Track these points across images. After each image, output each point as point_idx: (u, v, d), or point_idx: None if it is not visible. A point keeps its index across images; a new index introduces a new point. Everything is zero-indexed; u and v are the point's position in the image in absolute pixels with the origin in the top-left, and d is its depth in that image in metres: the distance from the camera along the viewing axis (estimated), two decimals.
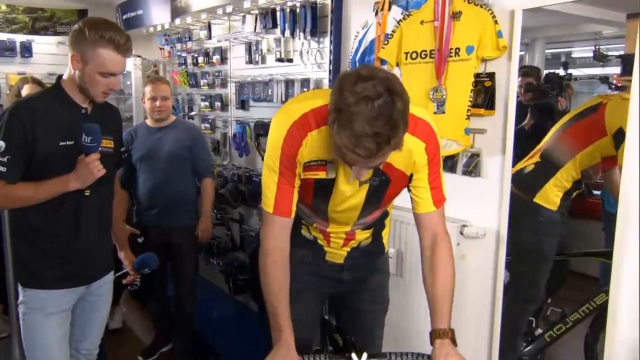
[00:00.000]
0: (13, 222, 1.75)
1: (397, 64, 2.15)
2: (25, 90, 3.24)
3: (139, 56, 4.14)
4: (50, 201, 1.58)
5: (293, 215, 1.29)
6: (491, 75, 1.88)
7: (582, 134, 2.20)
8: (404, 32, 2.10)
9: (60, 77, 1.66)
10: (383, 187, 1.33)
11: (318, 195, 1.33)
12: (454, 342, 1.19)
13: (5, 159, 1.53)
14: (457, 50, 1.93)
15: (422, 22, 2.04)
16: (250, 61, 3.11)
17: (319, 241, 1.50)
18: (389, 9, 2.20)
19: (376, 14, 2.26)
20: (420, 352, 1.15)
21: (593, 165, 2.24)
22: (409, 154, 1.24)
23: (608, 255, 2.56)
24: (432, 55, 2.01)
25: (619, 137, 2.09)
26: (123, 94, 4.27)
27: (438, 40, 1.97)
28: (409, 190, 1.34)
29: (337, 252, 1.52)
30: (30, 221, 1.63)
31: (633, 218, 1.48)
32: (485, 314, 1.95)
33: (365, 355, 1.11)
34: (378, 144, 1.02)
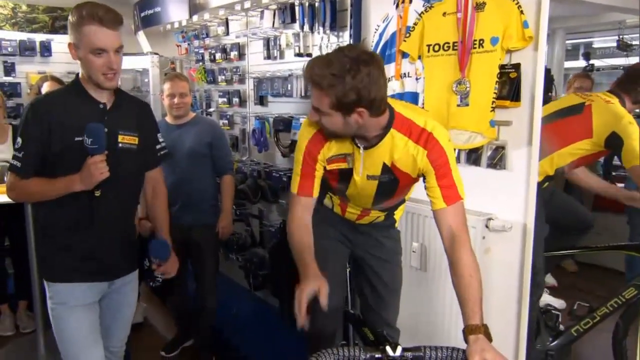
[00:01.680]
0: (36, 218, 1.80)
1: (419, 57, 2.15)
2: (45, 88, 3.31)
3: (156, 53, 4.19)
4: (66, 197, 1.59)
5: (314, 195, 1.59)
6: (516, 67, 1.87)
7: (564, 133, 2.24)
8: (426, 25, 2.09)
9: (78, 74, 1.67)
10: (393, 184, 1.57)
11: (341, 181, 1.63)
12: (488, 337, 1.20)
13: (20, 155, 1.58)
14: (481, 42, 1.92)
15: (444, 14, 2.03)
16: (268, 57, 3.12)
17: (335, 208, 1.82)
18: (410, 1, 2.19)
19: (397, 6, 2.25)
20: (455, 347, 1.15)
21: (568, 163, 2.28)
22: (413, 158, 1.47)
23: (636, 248, 2.57)
24: (455, 47, 2.00)
25: (614, 140, 2.14)
26: (141, 91, 4.32)
27: (461, 32, 1.97)
28: (426, 193, 1.49)
29: (351, 220, 1.82)
30: (50, 217, 1.67)
31: None
32: (511, 309, 1.94)
33: (399, 348, 1.12)
34: (317, 69, 1.32)
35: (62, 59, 4.29)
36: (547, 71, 3.16)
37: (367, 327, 1.65)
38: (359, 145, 1.49)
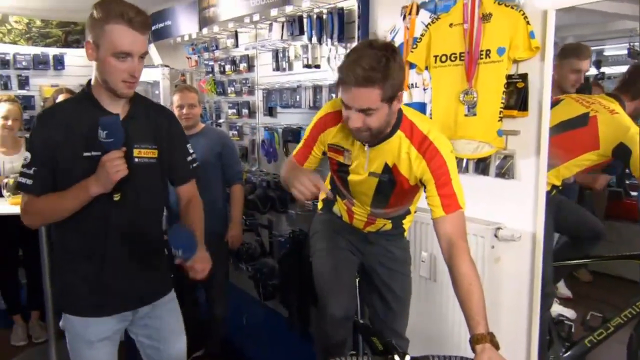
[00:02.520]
0: (52, 248, 1.69)
1: (427, 68, 2.17)
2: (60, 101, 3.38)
3: (166, 66, 4.26)
4: (77, 213, 1.43)
5: (304, 167, 1.67)
6: (524, 77, 1.88)
7: (570, 146, 2.24)
8: (433, 36, 2.12)
9: (89, 82, 1.49)
10: (390, 185, 1.61)
11: (340, 170, 1.69)
12: (495, 345, 1.20)
13: (31, 171, 1.42)
14: (488, 52, 1.94)
15: (451, 25, 2.06)
16: (277, 68, 3.17)
17: (343, 217, 1.85)
18: (417, 13, 2.22)
19: (404, 18, 2.28)
20: (464, 356, 1.16)
21: (574, 174, 2.30)
22: (410, 162, 1.51)
23: None
24: (462, 58, 2.02)
25: (622, 150, 2.15)
26: None
27: (468, 43, 1.99)
28: (427, 202, 1.51)
29: (360, 228, 1.86)
30: (62, 241, 1.54)
31: None
32: (522, 319, 1.94)
33: (408, 357, 1.13)
34: (366, 71, 1.31)
35: (74, 72, 4.39)
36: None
37: (376, 336, 1.66)
38: (363, 142, 1.54)
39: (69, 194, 1.41)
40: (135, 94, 1.50)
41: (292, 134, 3.02)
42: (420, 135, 1.48)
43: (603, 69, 4.18)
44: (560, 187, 2.27)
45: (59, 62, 4.29)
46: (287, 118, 3.19)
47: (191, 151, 1.66)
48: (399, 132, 1.51)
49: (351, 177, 1.66)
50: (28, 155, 1.44)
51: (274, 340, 3.11)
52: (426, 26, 2.15)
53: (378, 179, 1.59)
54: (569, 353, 2.45)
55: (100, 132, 1.34)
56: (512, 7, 1.86)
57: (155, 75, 4.27)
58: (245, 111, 3.59)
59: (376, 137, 1.50)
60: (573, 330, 2.57)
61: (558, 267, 2.48)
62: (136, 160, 1.47)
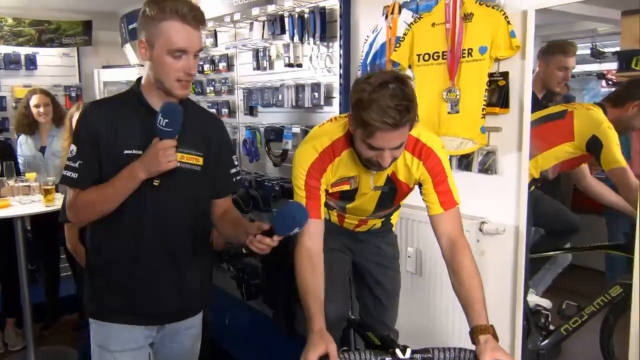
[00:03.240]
0: (87, 250, 1.53)
1: (410, 66, 2.18)
2: (34, 101, 3.26)
3: (142, 65, 4.16)
4: (116, 212, 1.36)
5: (322, 218, 1.49)
6: (504, 75, 1.91)
7: (547, 137, 2.30)
8: (416, 35, 2.13)
9: (139, 79, 1.43)
10: (392, 194, 1.60)
11: (343, 199, 1.62)
12: (496, 337, 1.22)
13: (77, 164, 1.35)
14: (470, 51, 1.96)
15: (433, 25, 2.07)
16: (257, 67, 3.13)
17: (332, 219, 1.80)
18: (399, 12, 2.23)
19: (386, 17, 2.29)
20: (463, 347, 1.16)
21: (551, 166, 2.34)
22: (408, 169, 1.49)
23: (619, 248, 2.63)
24: (445, 57, 2.04)
25: (594, 143, 2.22)
26: None
27: (450, 42, 2.01)
28: (423, 199, 1.52)
29: (350, 229, 1.82)
30: (95, 243, 1.46)
31: None
32: (505, 311, 1.97)
33: (409, 350, 1.13)
34: (400, 112, 1.24)
35: (47, 72, 4.24)
36: None
37: (370, 331, 1.66)
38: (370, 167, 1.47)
39: (115, 182, 1.33)
40: (187, 98, 1.44)
41: (275, 133, 2.99)
42: (412, 140, 1.46)
43: None
44: (539, 181, 2.33)
45: (31, 62, 4.13)
46: (268, 117, 3.17)
47: (236, 163, 1.57)
48: None
49: (356, 201, 1.60)
50: (74, 147, 1.37)
51: (259, 340, 3.08)
52: (409, 25, 2.16)
53: (380, 191, 1.58)
54: (546, 341, 2.51)
55: (160, 119, 1.28)
56: (492, 7, 1.89)
57: (131, 75, 4.17)
58: (225, 111, 3.53)
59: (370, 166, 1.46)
60: (550, 319, 2.64)
61: (535, 259, 2.53)
62: (178, 164, 1.36)
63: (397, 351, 1.12)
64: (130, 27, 3.87)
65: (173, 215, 1.41)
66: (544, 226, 2.58)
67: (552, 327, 2.57)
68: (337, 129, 1.50)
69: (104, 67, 4.41)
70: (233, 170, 1.54)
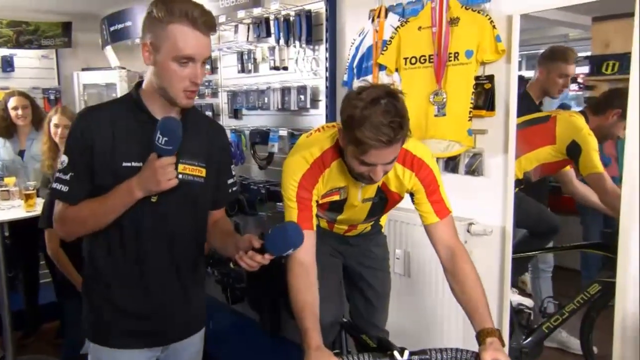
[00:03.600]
0: (84, 265, 1.42)
1: (397, 70, 2.18)
2: (12, 103, 3.17)
3: (123, 68, 4.08)
4: (112, 236, 1.28)
5: (314, 229, 1.46)
6: (490, 78, 1.93)
7: (531, 139, 2.34)
8: (402, 38, 2.14)
9: (139, 84, 1.32)
10: (382, 204, 1.60)
11: (331, 210, 1.60)
12: (501, 340, 1.22)
13: (67, 177, 1.25)
14: (456, 55, 1.98)
15: (419, 28, 2.08)
16: (242, 70, 3.10)
17: (321, 224, 1.76)
18: (386, 16, 2.24)
19: (372, 21, 2.29)
20: (459, 348, 1.16)
21: (533, 168, 2.39)
22: (400, 180, 1.48)
23: (598, 246, 2.69)
24: (431, 60, 2.05)
25: (573, 148, 2.27)
26: None
27: (436, 46, 2.02)
28: (416, 209, 1.51)
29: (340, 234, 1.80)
30: (92, 259, 1.35)
31: (634, 213, 1.55)
32: (493, 308, 1.97)
33: (407, 352, 1.12)
34: (394, 129, 1.22)
35: (25, 74, 4.12)
36: None
37: (364, 333, 1.65)
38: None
39: (111, 198, 1.23)
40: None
41: (260, 136, 2.96)
42: (401, 152, 1.41)
43: None
44: (523, 183, 2.36)
45: (8, 64, 4.01)
46: (252, 120, 3.13)
47: (234, 173, 1.49)
48: None
49: (344, 213, 1.60)
50: (65, 158, 1.26)
51: (245, 344, 3.04)
52: (395, 29, 2.17)
53: (371, 202, 1.57)
54: (529, 339, 2.54)
55: (158, 136, 1.17)
56: (478, 12, 1.91)
57: (112, 78, 4.08)
58: (208, 113, 3.48)
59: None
60: (532, 317, 2.68)
61: (517, 259, 2.57)
62: (180, 177, 1.26)
63: (395, 353, 1.12)
64: (112, 29, 3.78)
65: (174, 230, 1.32)
66: (527, 227, 2.62)
67: (534, 326, 2.62)
68: (326, 139, 1.47)
69: (83, 69, 4.31)
70: (230, 181, 1.46)
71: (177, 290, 1.36)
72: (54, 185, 1.27)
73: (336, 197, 1.52)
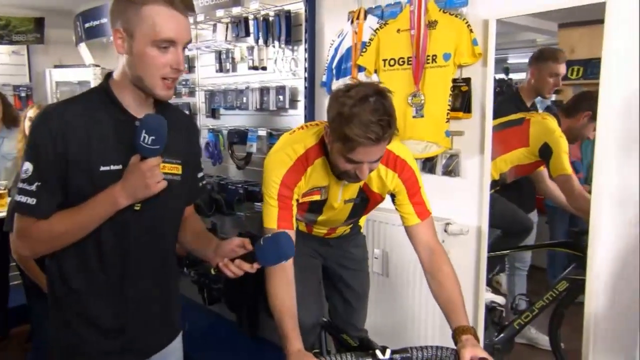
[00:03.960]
0: (48, 278, 1.27)
1: (376, 71, 2.19)
2: None
3: (97, 65, 3.98)
4: (86, 249, 1.15)
5: (294, 229, 1.44)
6: (467, 81, 1.96)
7: (506, 141, 2.39)
8: (381, 40, 2.14)
9: (109, 75, 1.18)
10: (363, 204, 1.59)
11: (311, 211, 1.57)
12: (476, 337, 1.24)
13: (34, 187, 1.09)
14: (434, 57, 1.99)
15: (398, 31, 2.09)
16: (220, 69, 3.06)
17: (300, 227, 1.74)
18: (365, 18, 2.24)
19: (351, 22, 2.29)
20: (439, 345, 1.17)
21: (508, 169, 2.44)
22: (382, 180, 1.48)
23: (567, 245, 2.75)
24: (410, 62, 2.06)
25: (545, 150, 2.33)
26: None
27: (415, 48, 2.03)
28: (397, 209, 1.52)
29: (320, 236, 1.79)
30: (65, 279, 1.19)
31: (604, 212, 1.59)
32: (469, 306, 2.00)
33: (388, 351, 1.12)
34: (383, 127, 1.22)
35: None
36: None
37: (345, 333, 1.64)
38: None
39: (88, 210, 1.09)
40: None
41: (238, 136, 2.93)
42: (385, 153, 1.40)
43: (511, 75, 4.53)
44: (498, 184, 2.40)
45: None
46: (230, 120, 3.09)
47: (202, 166, 1.40)
48: None
49: (324, 214, 1.58)
50: (28, 166, 1.09)
51: (222, 345, 3.00)
52: (374, 31, 2.17)
53: (352, 203, 1.56)
54: (501, 336, 2.59)
55: (143, 136, 1.05)
56: (456, 16, 1.93)
57: (85, 75, 3.96)
58: (185, 112, 3.42)
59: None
60: (504, 315, 2.73)
61: (490, 258, 2.62)
62: (166, 177, 1.16)
63: (377, 352, 1.12)
64: (87, 25, 3.67)
65: (159, 237, 1.24)
66: (501, 227, 2.67)
67: (506, 323, 2.66)
68: (310, 137, 1.45)
69: (56, 66, 4.17)
70: (200, 174, 1.37)
71: (158, 298, 1.27)
72: (18, 197, 1.11)
73: (317, 197, 1.50)
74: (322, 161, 1.43)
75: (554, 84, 2.28)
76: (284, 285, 1.33)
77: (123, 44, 1.09)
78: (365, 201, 1.57)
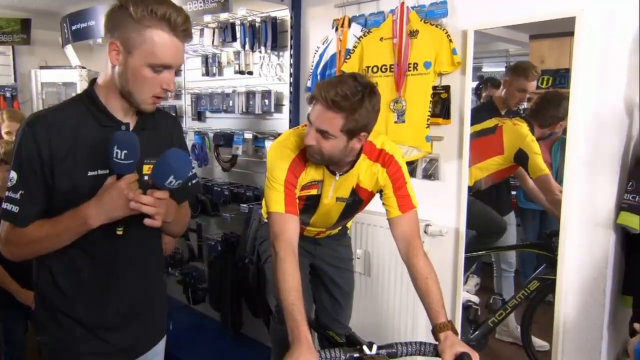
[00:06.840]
0: (36, 279, 1.24)
1: None
2: None
3: (83, 67, 3.89)
4: (74, 252, 1.13)
5: (298, 215, 1.43)
6: (446, 88, 1.97)
7: (481, 150, 2.42)
8: (365, 48, 2.15)
9: (93, 81, 1.17)
10: (357, 204, 1.60)
11: (306, 209, 1.57)
12: (454, 332, 1.23)
13: (17, 196, 1.08)
14: (415, 65, 2.01)
15: (381, 39, 2.10)
16: (207, 73, 3.02)
17: None
18: (349, 26, 2.24)
19: (336, 30, 2.29)
20: (423, 341, 1.17)
21: (485, 177, 2.47)
22: (374, 176, 1.50)
23: (540, 246, 2.80)
24: (392, 70, 2.07)
25: (521, 155, 2.37)
26: None
27: (397, 56, 2.04)
28: (383, 204, 1.52)
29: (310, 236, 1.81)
30: (54, 279, 1.18)
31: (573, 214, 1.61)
32: (447, 305, 2.01)
33: (375, 346, 1.12)
34: (343, 96, 1.26)
35: None
36: None
37: (331, 330, 1.63)
38: (335, 172, 1.48)
39: (61, 225, 1.08)
40: None
41: (224, 139, 2.90)
42: (376, 151, 1.48)
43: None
44: (472, 190, 2.43)
45: None
46: (216, 123, 3.06)
47: (193, 165, 1.35)
48: (362, 156, 1.48)
49: (317, 212, 1.59)
50: (13, 175, 1.08)
51: (207, 344, 2.95)
52: (358, 39, 2.17)
53: (345, 203, 1.57)
54: (476, 333, 2.61)
55: (116, 152, 1.03)
56: (436, 26, 1.95)
57: (71, 77, 3.87)
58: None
59: (326, 163, 1.43)
60: (479, 313, 2.75)
61: (467, 258, 2.64)
62: (145, 178, 1.14)
63: (364, 347, 1.12)
64: (74, 27, 3.59)
65: (147, 251, 1.24)
66: (475, 228, 2.70)
67: (480, 321, 2.69)
68: None
69: (41, 67, 4.07)
70: (190, 174, 1.28)
71: (147, 300, 1.27)
72: (4, 205, 1.11)
73: (314, 191, 1.51)
74: None
75: (520, 99, 2.33)
76: (292, 264, 1.31)
77: (118, 57, 1.07)
78: (357, 202, 1.58)
